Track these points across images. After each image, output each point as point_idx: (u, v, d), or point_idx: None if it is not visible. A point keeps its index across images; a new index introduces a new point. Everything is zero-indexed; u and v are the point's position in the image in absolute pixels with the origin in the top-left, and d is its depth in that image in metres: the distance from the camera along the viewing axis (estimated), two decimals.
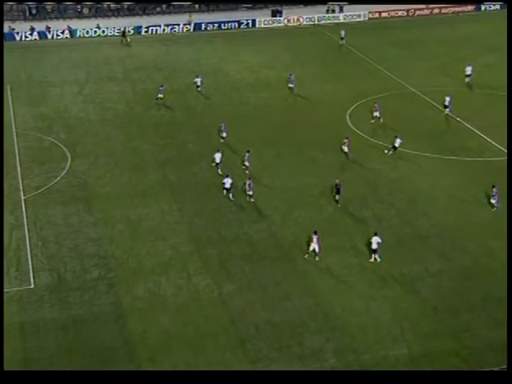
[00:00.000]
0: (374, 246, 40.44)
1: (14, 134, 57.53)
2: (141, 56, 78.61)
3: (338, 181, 46.06)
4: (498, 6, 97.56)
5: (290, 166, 52.16)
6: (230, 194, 47.09)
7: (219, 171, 50.02)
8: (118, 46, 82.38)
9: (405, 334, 35.14)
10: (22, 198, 47.57)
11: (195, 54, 79.38)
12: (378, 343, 34.57)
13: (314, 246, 40.50)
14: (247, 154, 50.47)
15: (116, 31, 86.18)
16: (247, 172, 49.72)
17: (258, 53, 79.78)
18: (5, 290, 37.95)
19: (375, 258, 40.61)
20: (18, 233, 43.50)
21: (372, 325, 35.83)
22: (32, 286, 38.53)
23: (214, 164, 50.66)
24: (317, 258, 40.72)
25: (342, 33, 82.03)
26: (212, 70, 73.71)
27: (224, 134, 55.15)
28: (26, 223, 44.38)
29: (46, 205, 46.67)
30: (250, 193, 46.73)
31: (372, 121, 58.77)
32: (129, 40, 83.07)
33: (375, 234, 40.56)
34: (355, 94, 65.60)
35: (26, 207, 46.32)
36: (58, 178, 50.25)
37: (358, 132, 57.68)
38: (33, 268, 40.04)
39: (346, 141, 52.95)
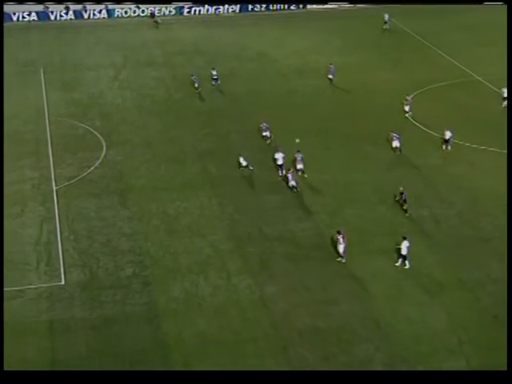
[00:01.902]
0: (404, 252, 39.98)
1: (47, 120, 58.43)
2: (182, 39, 79.06)
3: (401, 188, 45.19)
4: None
5: (340, 160, 51.96)
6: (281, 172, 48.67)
7: (280, 173, 49.54)
8: (157, 27, 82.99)
9: (462, 346, 34.70)
10: (54, 188, 48.32)
11: (240, 38, 79.52)
12: (432, 354, 34.21)
13: (340, 246, 40.46)
14: (299, 155, 49.55)
15: (156, 12, 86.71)
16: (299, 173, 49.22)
17: (307, 36, 79.58)
18: (34, 286, 38.66)
19: (404, 264, 40.24)
20: (48, 225, 44.21)
21: (426, 334, 35.48)
22: (63, 283, 39.14)
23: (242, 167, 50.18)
24: (343, 260, 40.63)
25: (386, 16, 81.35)
26: (257, 54, 73.76)
27: (267, 133, 53.82)
28: (57, 215, 45.08)
29: (78, 196, 47.34)
30: (293, 183, 47.01)
31: (406, 115, 58.12)
32: (159, 21, 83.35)
33: (404, 238, 40.10)
34: (414, 83, 64.99)
35: (57, 198, 47.04)
36: (92, 168, 50.91)
37: (417, 124, 57.16)
38: (64, 263, 40.66)
39: (393, 135, 52.56)
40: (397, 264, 40.35)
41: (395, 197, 45.82)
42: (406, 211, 44.97)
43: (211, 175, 50.36)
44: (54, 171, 50.50)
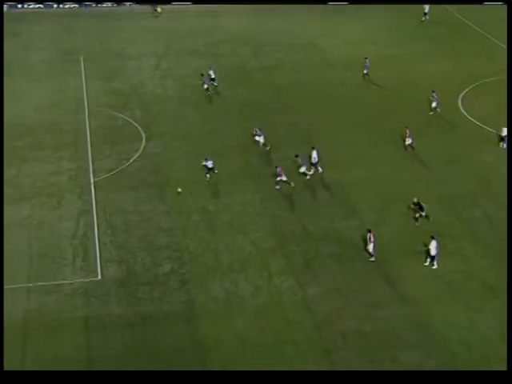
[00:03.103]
0: (433, 252, 39.67)
1: (86, 110, 58.97)
2: (227, 27, 78.87)
3: (416, 199, 44.03)
4: None
5: (388, 157, 51.53)
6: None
7: (314, 170, 49.44)
8: (204, 14, 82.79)
9: None
10: (92, 180, 48.79)
11: (288, 26, 79.01)
12: (483, 363, 33.72)
13: (370, 245, 40.36)
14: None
15: None
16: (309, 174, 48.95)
17: (358, 26, 78.83)
18: (69, 281, 39.10)
19: (433, 264, 39.94)
20: (85, 219, 44.66)
21: (477, 341, 35.05)
22: (99, 278, 39.52)
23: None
24: (372, 259, 40.45)
25: (426, 7, 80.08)
26: (306, 44, 73.45)
27: (260, 139, 52.68)
28: (94, 208, 45.49)
29: (116, 189, 47.72)
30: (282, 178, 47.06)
31: (431, 113, 57.28)
32: (159, 10, 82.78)
33: (433, 238, 39.76)
34: (470, 76, 64.09)
35: (95, 191, 47.48)
36: (131, 161, 51.27)
37: (472, 119, 56.41)
38: (100, 258, 41.04)
39: (407, 131, 51.95)
40: (425, 264, 40.13)
41: (409, 206, 44.76)
42: (426, 217, 43.56)
43: (253, 170, 50.33)
44: (92, 163, 50.96)
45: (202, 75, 62.13)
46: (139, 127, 56.18)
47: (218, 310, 37.25)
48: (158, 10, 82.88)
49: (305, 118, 56.83)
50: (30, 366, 33.50)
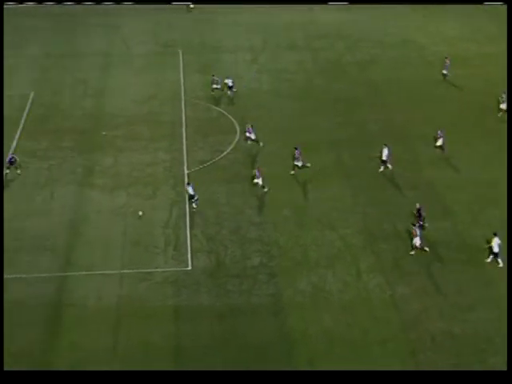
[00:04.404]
0: (496, 249, 39.14)
1: (183, 102, 59.85)
2: (323, 22, 78.53)
3: (418, 205, 43.03)
4: None
5: (484, 156, 50.43)
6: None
7: (383, 168, 49.12)
8: (300, 10, 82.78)
9: None
10: (186, 172, 49.53)
11: (384, 22, 78.14)
12: None
13: (415, 239, 40.03)
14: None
15: None
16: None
17: (458, 22, 77.23)
18: (160, 270, 39.89)
19: (497, 262, 39.29)
20: (178, 209, 45.40)
21: None
22: (189, 268, 40.13)
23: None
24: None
25: None
26: (402, 40, 72.48)
27: (251, 135, 52.17)
28: (187, 200, 46.17)
29: (209, 181, 48.31)
30: (258, 181, 46.80)
31: (499, 114, 55.41)
32: (192, 6, 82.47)
33: (495, 235, 39.13)
34: None
35: None
36: (224, 153, 51.79)
37: None
38: (191, 249, 41.67)
39: (439, 132, 50.66)
40: (487, 260, 39.54)
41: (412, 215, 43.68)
42: (422, 226, 42.44)
43: (345, 165, 50.13)
44: (187, 155, 51.73)
45: (213, 76, 61.09)
46: (233, 120, 56.67)
47: (305, 305, 37.33)
48: (191, 6, 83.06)
49: (400, 114, 56.19)
50: (120, 349, 34.44)
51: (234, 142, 53.23)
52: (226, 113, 58.02)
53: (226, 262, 40.69)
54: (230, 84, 60.51)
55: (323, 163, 50.20)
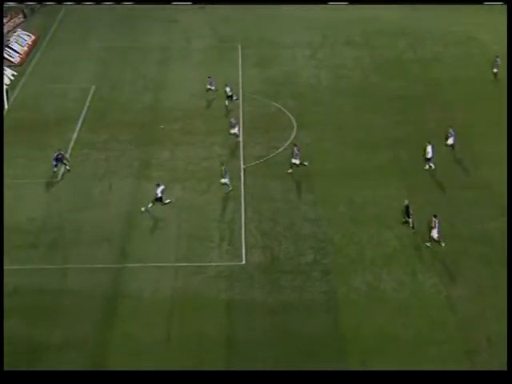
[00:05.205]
0: None
1: (240, 97, 59.97)
2: (384, 19, 77.82)
3: (407, 201, 42.57)
4: None
5: None
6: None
7: (428, 166, 48.56)
8: (360, 6, 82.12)
9: None
10: (242, 167, 49.67)
11: (446, 19, 77.17)
12: None
13: (433, 231, 39.59)
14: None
15: None
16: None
17: None
18: (214, 264, 40.06)
19: None
20: (233, 204, 45.55)
21: None
22: (243, 263, 40.20)
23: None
24: (428, 244, 40.05)
25: None
26: (465, 38, 71.60)
27: (235, 131, 52.02)
28: (242, 194, 46.31)
29: (264, 177, 48.35)
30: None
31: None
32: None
33: None
34: None
35: (244, 177, 48.33)
36: (281, 149, 51.77)
37: None
38: (246, 244, 41.76)
39: (451, 130, 49.66)
40: None
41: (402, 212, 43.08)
42: (407, 223, 42.17)
43: (402, 164, 49.68)
44: (243, 149, 51.85)
45: (209, 77, 59.87)
46: (291, 116, 56.63)
47: (359, 303, 37.07)
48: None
49: (461, 114, 55.36)
50: (174, 340, 34.62)
51: (291, 138, 53.17)
52: (283, 108, 57.99)
53: (279, 257, 40.66)
54: (230, 93, 57.57)
55: (379, 162, 49.84)
